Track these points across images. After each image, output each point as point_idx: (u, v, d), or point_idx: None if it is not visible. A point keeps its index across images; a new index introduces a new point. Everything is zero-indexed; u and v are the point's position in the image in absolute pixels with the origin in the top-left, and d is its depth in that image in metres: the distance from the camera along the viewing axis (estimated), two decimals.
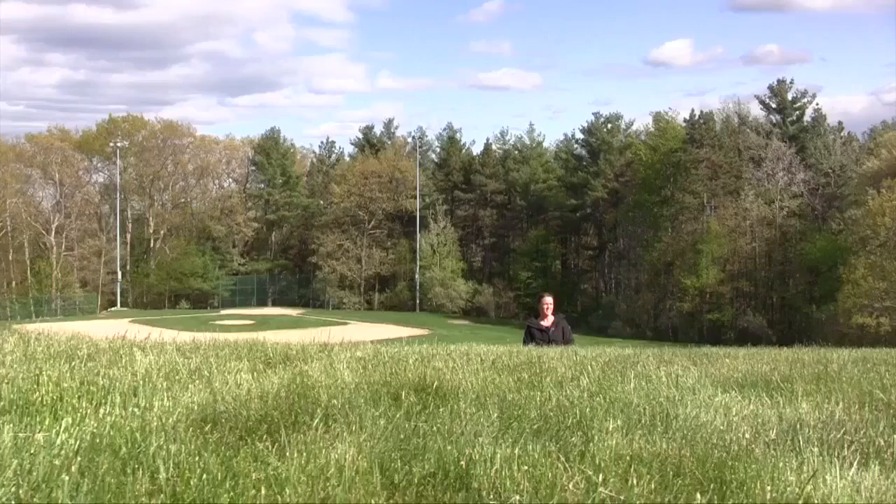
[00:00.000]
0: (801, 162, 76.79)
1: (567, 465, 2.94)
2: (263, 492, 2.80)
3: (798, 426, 3.34)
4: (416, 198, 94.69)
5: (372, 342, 7.48)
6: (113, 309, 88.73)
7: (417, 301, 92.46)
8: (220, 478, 2.87)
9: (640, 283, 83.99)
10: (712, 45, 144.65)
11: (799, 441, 3.12)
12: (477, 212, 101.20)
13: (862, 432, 3.26)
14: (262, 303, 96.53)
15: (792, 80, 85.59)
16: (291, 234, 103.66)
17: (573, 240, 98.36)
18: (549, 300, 13.88)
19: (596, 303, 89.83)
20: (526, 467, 2.92)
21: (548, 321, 13.76)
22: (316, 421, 3.66)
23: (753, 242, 75.74)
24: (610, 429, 3.33)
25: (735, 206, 75.72)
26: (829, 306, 66.61)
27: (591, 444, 3.15)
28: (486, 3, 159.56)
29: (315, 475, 2.97)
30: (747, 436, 3.21)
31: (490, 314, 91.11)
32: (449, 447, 3.16)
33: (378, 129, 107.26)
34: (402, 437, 3.40)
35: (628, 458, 2.99)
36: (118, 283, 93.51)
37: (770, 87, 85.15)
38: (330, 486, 2.85)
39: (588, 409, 3.74)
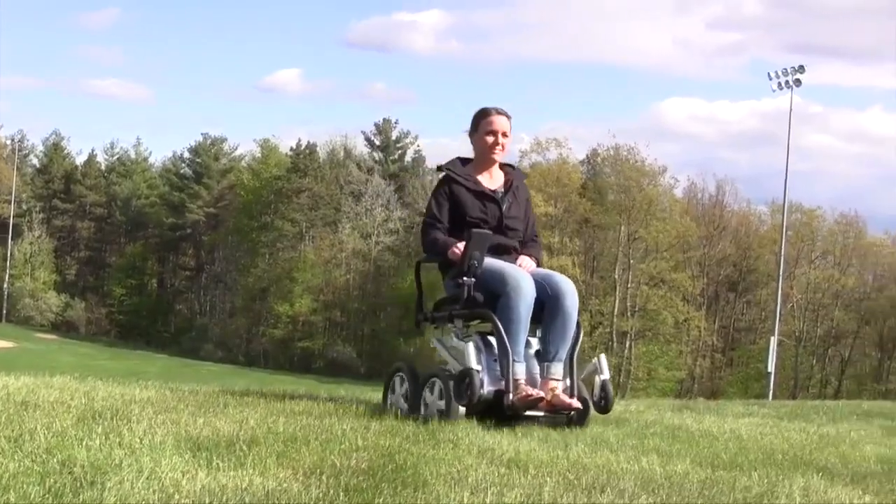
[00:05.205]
0: (399, 200, 79.53)
1: None
2: None
3: (218, 501, 3.16)
4: (10, 203, 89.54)
5: None
6: None
7: (4, 312, 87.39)
8: None
9: (235, 307, 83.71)
10: (324, 77, 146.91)
11: None
12: (75, 223, 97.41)
13: None
14: None
15: (397, 120, 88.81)
16: None
17: (171, 259, 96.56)
18: (505, 124, 6.30)
19: (190, 324, 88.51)
20: None
21: (495, 179, 6.41)
22: None
23: (348, 274, 77.51)
24: None
25: (332, 237, 77.28)
26: (416, 340, 69.30)
27: None
28: (104, 8, 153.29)
29: None
30: None
31: (80, 329, 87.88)
32: None
33: None
34: None
35: None
36: None
37: (376, 125, 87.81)
38: None
39: None
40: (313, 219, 79.68)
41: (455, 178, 6.26)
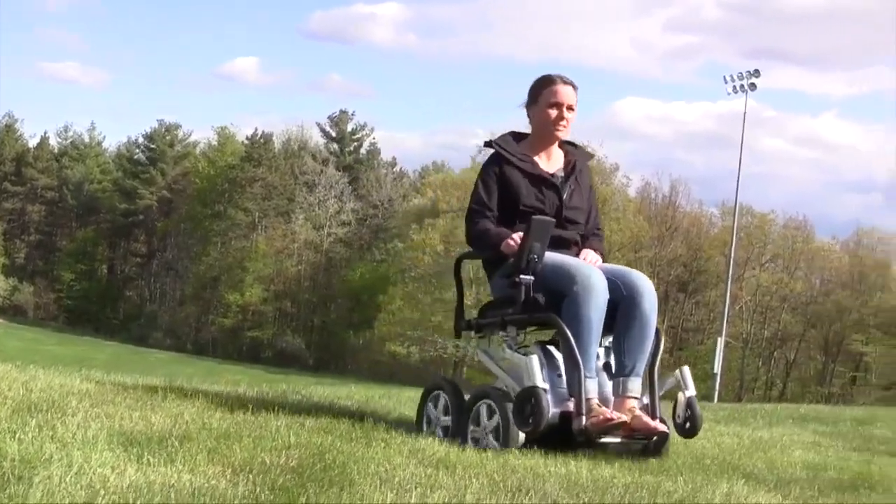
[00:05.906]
0: (353, 192, 79.49)
1: None
2: None
3: (144, 497, 3.19)
4: None
5: None
6: None
7: None
8: None
9: (185, 295, 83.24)
10: (281, 67, 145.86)
11: None
12: (25, 206, 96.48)
13: None
14: None
15: (354, 112, 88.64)
16: None
17: (123, 245, 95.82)
18: (571, 95, 5.26)
19: (139, 311, 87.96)
20: None
21: (554, 160, 5.37)
22: None
23: (300, 265, 77.35)
24: None
25: (285, 227, 77.09)
26: (365, 333, 69.45)
27: None
28: None
29: None
30: None
31: (28, 314, 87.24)
32: None
33: None
34: None
35: None
36: None
37: (331, 117, 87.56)
38: None
39: None
40: (266, 209, 79.40)
41: (507, 157, 5.26)
